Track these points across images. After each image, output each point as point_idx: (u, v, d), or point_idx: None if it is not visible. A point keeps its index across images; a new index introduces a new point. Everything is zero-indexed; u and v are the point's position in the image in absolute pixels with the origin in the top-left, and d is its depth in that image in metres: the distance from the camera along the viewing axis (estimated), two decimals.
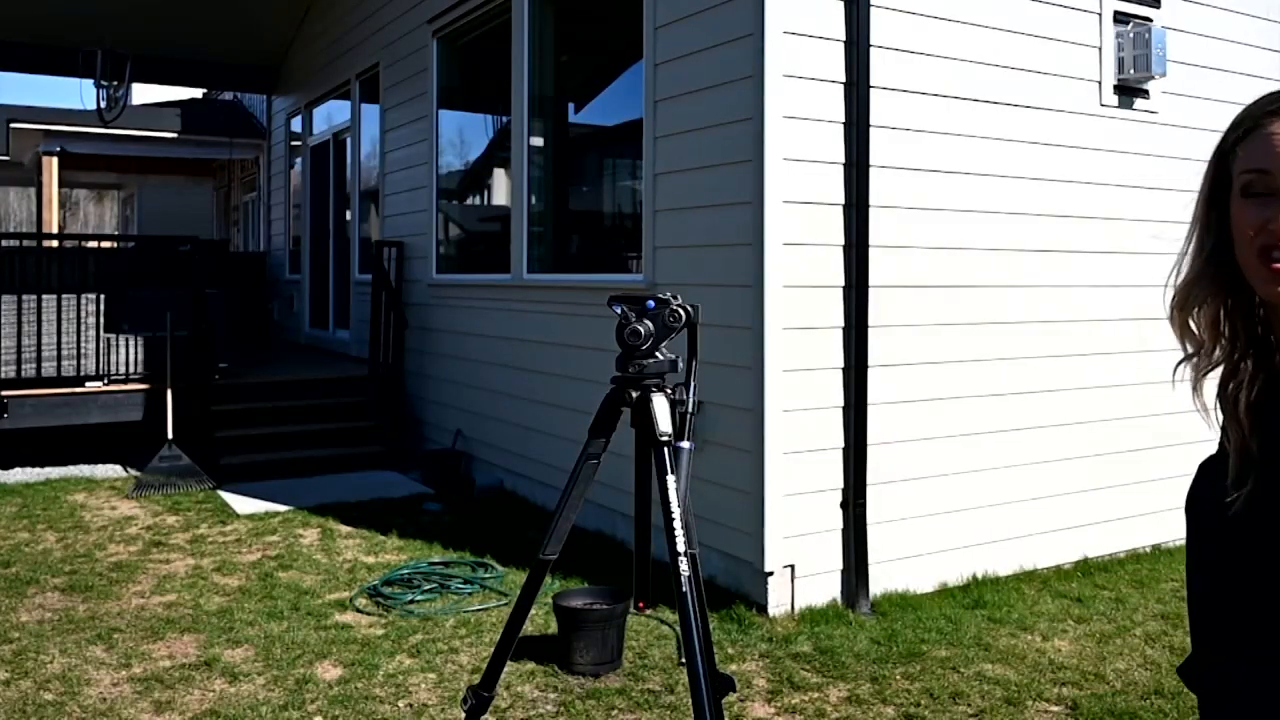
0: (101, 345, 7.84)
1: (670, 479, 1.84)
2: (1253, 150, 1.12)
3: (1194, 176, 1.23)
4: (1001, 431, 5.12)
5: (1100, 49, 5.40)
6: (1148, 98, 5.56)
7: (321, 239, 11.22)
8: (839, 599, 4.68)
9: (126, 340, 7.94)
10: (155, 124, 14.02)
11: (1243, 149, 1.13)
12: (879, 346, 4.69)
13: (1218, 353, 1.17)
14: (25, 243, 8.23)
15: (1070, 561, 5.33)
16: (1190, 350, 1.19)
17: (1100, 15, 5.39)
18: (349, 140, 10.26)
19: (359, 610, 4.64)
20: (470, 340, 7.40)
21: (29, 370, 7.57)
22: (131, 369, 7.93)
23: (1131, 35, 5.42)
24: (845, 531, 4.69)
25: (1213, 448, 1.20)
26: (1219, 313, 1.17)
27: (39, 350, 7.61)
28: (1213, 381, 1.20)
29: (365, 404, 8.40)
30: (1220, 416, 1.17)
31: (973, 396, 5.01)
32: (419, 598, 4.76)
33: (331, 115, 11.02)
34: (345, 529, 6.05)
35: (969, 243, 5.00)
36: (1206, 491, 1.19)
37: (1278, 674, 1.10)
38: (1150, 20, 5.52)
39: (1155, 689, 3.78)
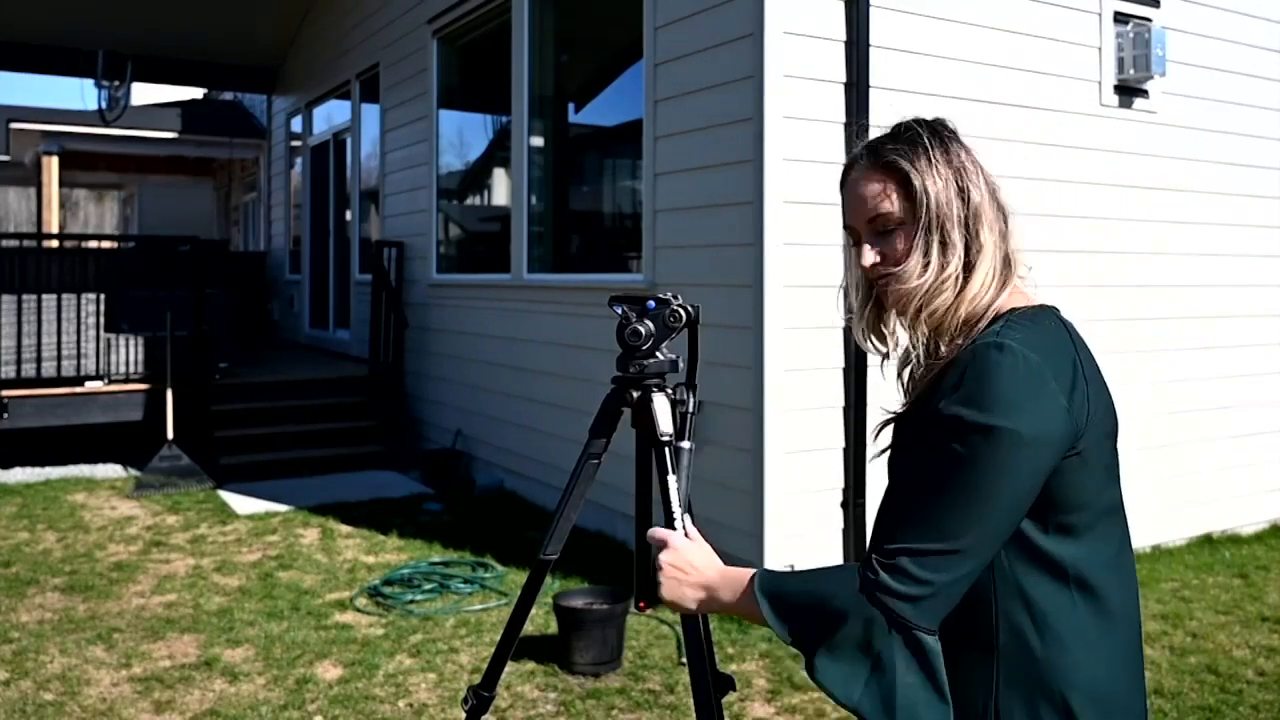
0: (101, 345, 7.85)
1: (671, 479, 1.83)
2: (843, 204, 1.28)
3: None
4: None
5: (1100, 49, 5.41)
6: (1148, 98, 5.56)
7: (321, 239, 11.22)
8: None
9: (126, 340, 7.94)
10: (155, 124, 14.01)
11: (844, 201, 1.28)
12: None
13: (900, 351, 1.45)
14: (25, 243, 8.21)
15: None
16: (884, 352, 1.47)
17: (1100, 15, 5.39)
18: (349, 140, 10.26)
19: (359, 610, 4.64)
20: (470, 340, 7.40)
21: (29, 370, 7.58)
22: (131, 369, 7.93)
23: (1131, 35, 5.42)
24: (845, 531, 4.69)
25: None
26: (890, 324, 1.43)
27: (39, 350, 7.61)
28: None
29: (365, 404, 8.41)
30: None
31: None
32: (419, 597, 4.76)
33: (331, 115, 11.02)
34: (345, 529, 6.05)
35: None
36: None
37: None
38: (1150, 20, 5.52)
39: (1155, 689, 3.78)
